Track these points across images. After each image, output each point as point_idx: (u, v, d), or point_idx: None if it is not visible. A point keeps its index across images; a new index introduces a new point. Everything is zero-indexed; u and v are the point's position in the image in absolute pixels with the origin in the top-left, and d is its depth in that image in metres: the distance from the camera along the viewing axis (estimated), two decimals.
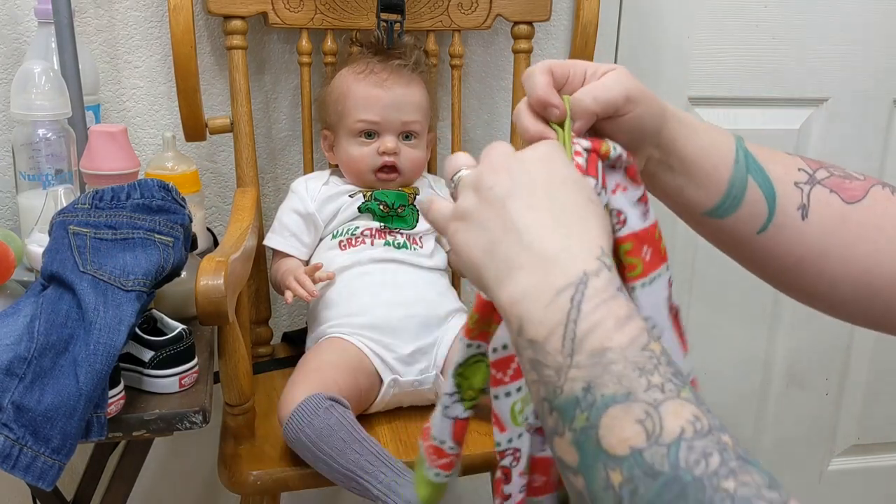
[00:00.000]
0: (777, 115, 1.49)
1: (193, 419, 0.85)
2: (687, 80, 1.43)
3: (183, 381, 0.88)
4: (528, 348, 0.45)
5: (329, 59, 1.21)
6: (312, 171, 1.23)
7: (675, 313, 0.60)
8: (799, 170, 0.68)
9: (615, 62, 1.40)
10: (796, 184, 0.67)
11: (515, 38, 1.25)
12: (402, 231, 1.12)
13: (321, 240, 1.14)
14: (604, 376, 0.42)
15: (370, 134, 1.12)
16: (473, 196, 0.52)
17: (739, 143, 0.67)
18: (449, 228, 0.53)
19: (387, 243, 1.10)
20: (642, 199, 0.58)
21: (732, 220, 0.67)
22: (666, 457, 0.39)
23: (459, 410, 0.61)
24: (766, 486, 0.38)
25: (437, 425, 0.61)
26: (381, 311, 1.04)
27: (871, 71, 1.47)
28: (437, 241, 1.17)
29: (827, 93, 1.48)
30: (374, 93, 1.11)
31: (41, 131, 1.04)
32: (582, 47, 1.21)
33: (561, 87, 0.61)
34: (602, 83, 0.60)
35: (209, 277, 0.82)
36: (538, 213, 0.49)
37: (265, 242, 1.15)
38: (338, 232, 1.12)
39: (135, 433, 0.84)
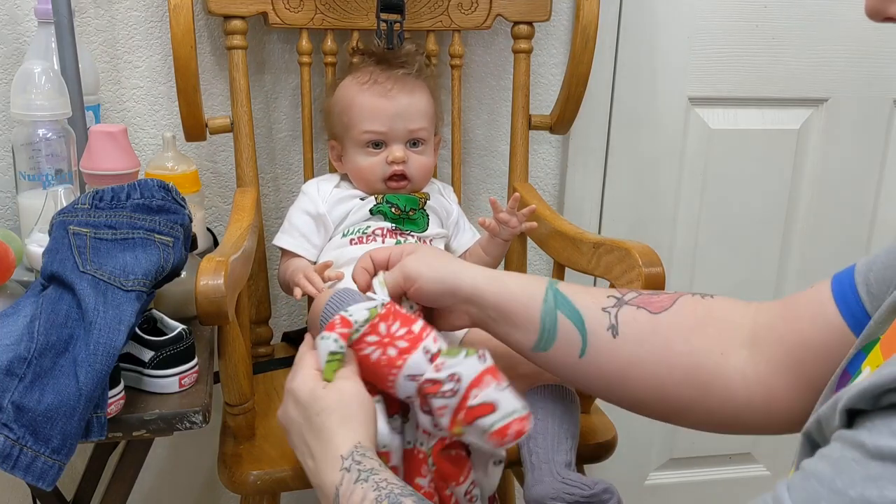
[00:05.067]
0: (777, 115, 1.49)
1: (193, 419, 0.85)
2: (687, 80, 1.43)
3: (183, 381, 0.88)
4: None
5: (329, 59, 1.21)
6: (312, 170, 1.23)
7: None
8: (608, 297, 0.78)
9: (615, 62, 1.40)
10: (604, 309, 0.77)
11: (515, 38, 1.25)
12: (413, 233, 1.11)
13: (330, 239, 1.13)
14: None
15: (377, 144, 1.11)
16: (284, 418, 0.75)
17: (550, 284, 0.79)
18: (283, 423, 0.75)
19: (398, 243, 1.09)
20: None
21: (555, 351, 0.77)
22: None
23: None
24: None
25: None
26: None
27: (871, 71, 1.47)
28: (447, 247, 1.17)
29: (827, 93, 1.48)
30: (379, 103, 1.10)
31: (41, 131, 1.04)
32: (582, 47, 1.21)
33: (384, 268, 0.83)
34: (391, 269, 0.82)
35: (209, 277, 0.82)
36: (303, 456, 0.71)
37: (275, 242, 1.14)
38: (348, 231, 1.11)
39: (135, 433, 0.84)
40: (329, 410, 0.70)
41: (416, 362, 0.76)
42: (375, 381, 0.77)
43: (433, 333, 0.79)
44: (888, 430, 0.41)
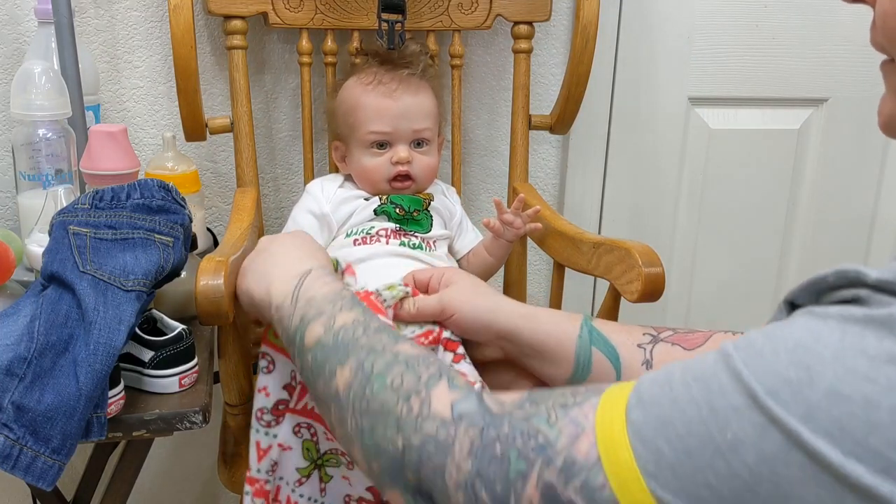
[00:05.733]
0: (777, 115, 1.49)
1: (193, 419, 0.85)
2: (687, 80, 1.43)
3: (183, 381, 0.88)
4: (276, 314, 0.75)
5: (329, 59, 1.21)
6: (312, 171, 1.23)
7: None
8: (644, 334, 0.80)
9: (615, 62, 1.40)
10: (639, 345, 0.79)
11: (515, 38, 1.25)
12: (416, 234, 1.11)
13: (334, 238, 1.13)
14: (308, 309, 0.70)
15: (382, 144, 1.11)
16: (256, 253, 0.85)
17: (585, 321, 0.81)
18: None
19: (402, 243, 1.09)
20: None
21: None
22: (334, 335, 0.66)
23: None
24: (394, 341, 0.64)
25: None
26: None
27: (871, 71, 1.46)
28: (450, 248, 1.16)
29: (827, 93, 1.48)
30: (384, 104, 1.10)
31: (41, 131, 1.04)
32: (582, 47, 1.21)
33: (423, 290, 0.89)
34: (429, 297, 0.87)
35: (209, 277, 0.82)
36: (261, 282, 0.80)
37: None
38: (352, 231, 1.11)
39: (135, 433, 0.84)
40: (297, 245, 0.83)
41: None
42: None
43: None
44: (833, 305, 0.45)
